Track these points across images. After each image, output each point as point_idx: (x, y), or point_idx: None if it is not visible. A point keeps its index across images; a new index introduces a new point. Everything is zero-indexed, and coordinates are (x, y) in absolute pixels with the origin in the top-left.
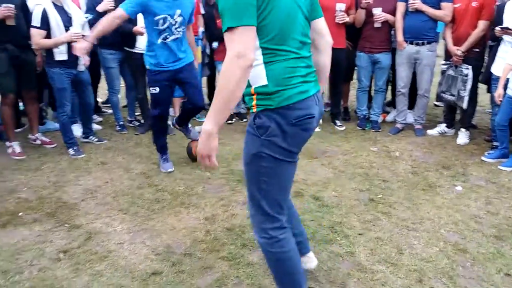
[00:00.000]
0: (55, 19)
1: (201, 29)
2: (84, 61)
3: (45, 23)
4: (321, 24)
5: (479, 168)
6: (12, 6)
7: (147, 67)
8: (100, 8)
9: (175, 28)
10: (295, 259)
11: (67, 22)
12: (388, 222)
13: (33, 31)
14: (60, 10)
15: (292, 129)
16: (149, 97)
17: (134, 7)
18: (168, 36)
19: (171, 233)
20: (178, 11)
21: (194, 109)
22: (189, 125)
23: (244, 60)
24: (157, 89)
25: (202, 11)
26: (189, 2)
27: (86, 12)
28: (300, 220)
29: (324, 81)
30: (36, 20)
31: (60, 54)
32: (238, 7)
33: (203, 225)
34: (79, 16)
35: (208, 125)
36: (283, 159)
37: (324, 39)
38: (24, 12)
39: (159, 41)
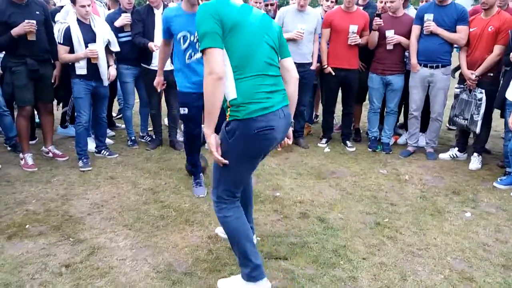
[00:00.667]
0: (76, 36)
1: None
2: (109, 76)
3: (67, 40)
4: (287, 62)
5: (490, 194)
6: (34, 22)
7: (178, 88)
8: (117, 23)
9: (198, 44)
10: (237, 222)
11: (90, 39)
12: (393, 247)
13: (58, 46)
14: (85, 27)
15: (253, 137)
16: (163, 112)
17: (166, 31)
18: (192, 54)
19: (174, 251)
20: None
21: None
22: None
23: (213, 76)
24: (186, 110)
25: None
26: None
27: None
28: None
29: (293, 109)
30: (59, 37)
31: (80, 69)
32: (208, 34)
33: (206, 243)
34: (104, 33)
35: (204, 129)
36: (244, 162)
37: (290, 74)
38: (46, 28)
39: (186, 61)
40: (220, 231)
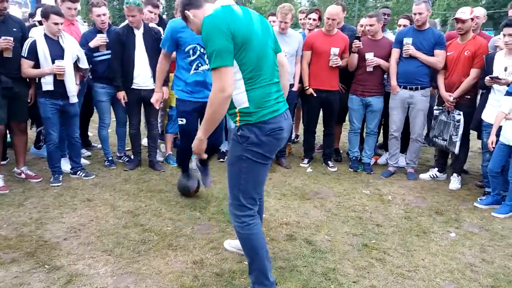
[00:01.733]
0: (42, 51)
1: None
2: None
3: (32, 54)
4: (281, 57)
5: (472, 214)
6: (11, 38)
7: (176, 96)
8: (92, 44)
9: (205, 56)
10: (259, 239)
11: (58, 55)
12: (382, 269)
13: (22, 60)
14: (53, 43)
15: (266, 138)
16: (142, 132)
17: (168, 41)
18: (200, 65)
19: (157, 278)
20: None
21: (212, 148)
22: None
23: (224, 94)
24: (184, 121)
25: None
26: None
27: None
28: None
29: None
30: (24, 51)
31: (46, 85)
32: (220, 52)
33: (191, 269)
34: (73, 50)
35: (200, 134)
36: (259, 162)
37: (284, 69)
38: (23, 45)
39: (192, 72)
40: (228, 244)
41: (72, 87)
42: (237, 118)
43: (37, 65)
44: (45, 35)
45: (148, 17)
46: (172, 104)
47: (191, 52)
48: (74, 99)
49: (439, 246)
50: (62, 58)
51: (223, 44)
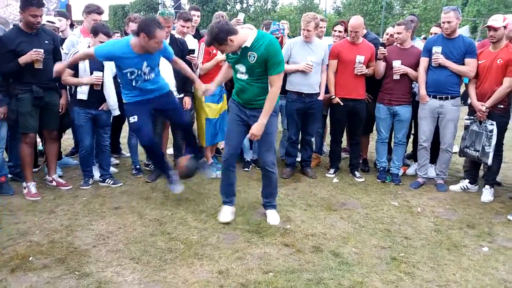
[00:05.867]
0: (83, 63)
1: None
2: (103, 106)
3: (73, 64)
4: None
5: (506, 228)
6: (42, 51)
7: (124, 101)
8: None
9: (145, 74)
10: None
11: (97, 69)
12: (412, 283)
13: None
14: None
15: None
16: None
17: (104, 54)
18: (138, 80)
19: (183, 287)
20: (145, 63)
21: (185, 128)
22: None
23: (279, 91)
24: (136, 117)
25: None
26: (156, 53)
27: None
28: None
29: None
30: (67, 60)
31: (81, 94)
32: (283, 62)
33: (216, 279)
34: (113, 65)
35: (263, 120)
36: None
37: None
38: (54, 57)
39: (132, 83)
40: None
41: (113, 101)
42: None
43: (76, 76)
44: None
45: (180, 30)
46: (209, 116)
47: (128, 74)
48: (116, 112)
49: (471, 260)
50: (102, 71)
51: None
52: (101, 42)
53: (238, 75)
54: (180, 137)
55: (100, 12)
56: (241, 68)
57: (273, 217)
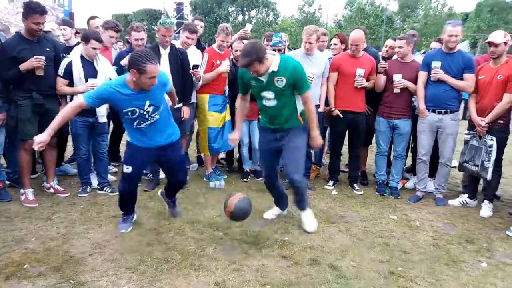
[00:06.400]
0: (77, 71)
1: (226, 87)
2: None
3: (68, 74)
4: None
5: (505, 243)
6: (43, 58)
7: (127, 139)
8: (123, 62)
9: (149, 115)
10: None
11: (92, 76)
12: None
13: (57, 79)
14: (88, 64)
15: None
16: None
17: (95, 99)
18: (141, 123)
19: None
20: (147, 102)
21: (177, 186)
22: (176, 201)
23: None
24: (130, 168)
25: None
26: (158, 89)
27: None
28: None
29: None
30: (61, 70)
31: None
32: (307, 79)
33: None
34: (106, 71)
35: (316, 132)
36: None
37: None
38: (56, 64)
39: (135, 126)
40: (271, 214)
41: (101, 108)
42: (300, 118)
43: (71, 84)
44: (82, 56)
45: (184, 41)
46: (209, 125)
47: (129, 113)
48: (103, 119)
49: (469, 276)
50: (95, 78)
51: None
52: (94, 48)
53: (266, 102)
54: (167, 186)
55: (117, 30)
56: (269, 94)
57: (308, 221)
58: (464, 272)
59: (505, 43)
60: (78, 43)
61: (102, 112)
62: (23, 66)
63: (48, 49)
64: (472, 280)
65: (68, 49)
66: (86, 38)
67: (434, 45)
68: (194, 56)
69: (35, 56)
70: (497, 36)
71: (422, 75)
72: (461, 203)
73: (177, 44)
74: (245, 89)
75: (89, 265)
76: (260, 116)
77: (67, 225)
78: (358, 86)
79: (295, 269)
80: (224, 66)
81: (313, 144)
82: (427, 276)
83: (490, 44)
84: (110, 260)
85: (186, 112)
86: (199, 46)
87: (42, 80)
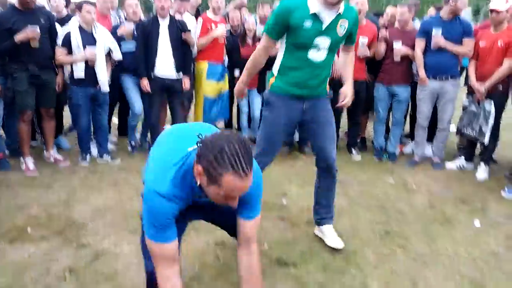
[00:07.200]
0: (76, 41)
1: (226, 58)
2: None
3: (66, 44)
4: None
5: (499, 204)
6: (37, 27)
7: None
8: (119, 32)
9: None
10: None
11: (90, 45)
12: (404, 255)
13: (56, 48)
14: (86, 33)
15: None
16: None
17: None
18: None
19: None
20: None
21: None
22: None
23: None
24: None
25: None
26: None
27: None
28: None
29: None
30: (59, 40)
31: (78, 72)
32: None
33: (212, 249)
34: (105, 41)
35: (350, 86)
36: None
37: None
38: (51, 36)
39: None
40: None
41: (103, 77)
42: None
43: (69, 52)
44: (80, 27)
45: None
46: (207, 94)
47: None
48: (105, 88)
49: (462, 234)
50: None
51: None
52: (88, 12)
53: (313, 55)
54: None
55: None
56: (324, 42)
57: (335, 235)
58: (457, 231)
59: (507, 11)
60: (68, 15)
61: (104, 80)
62: (18, 38)
63: (42, 21)
64: (465, 238)
65: (59, 21)
66: (78, 6)
67: (432, 12)
68: (188, 22)
69: (29, 26)
70: (500, 3)
71: (420, 42)
72: (458, 167)
73: (177, 16)
74: (281, 33)
75: (90, 229)
76: (276, 80)
77: (68, 192)
78: (361, 57)
79: (293, 230)
80: (219, 30)
81: (343, 103)
82: (421, 235)
83: (492, 11)
84: (111, 224)
85: (186, 82)
86: (198, 15)
87: (37, 51)
